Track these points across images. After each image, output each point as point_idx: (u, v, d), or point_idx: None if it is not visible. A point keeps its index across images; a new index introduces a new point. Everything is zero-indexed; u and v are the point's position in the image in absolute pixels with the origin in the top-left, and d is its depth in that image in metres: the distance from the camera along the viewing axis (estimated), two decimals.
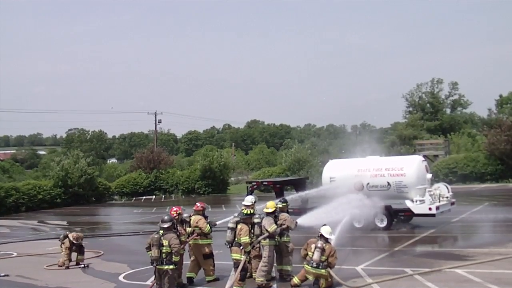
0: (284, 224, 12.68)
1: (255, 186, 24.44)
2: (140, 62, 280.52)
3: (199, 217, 13.25)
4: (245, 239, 12.08)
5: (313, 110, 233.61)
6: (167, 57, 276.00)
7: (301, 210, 23.11)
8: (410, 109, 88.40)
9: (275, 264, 13.12)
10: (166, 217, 11.50)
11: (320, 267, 11.43)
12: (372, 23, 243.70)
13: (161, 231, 11.25)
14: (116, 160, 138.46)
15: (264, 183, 25.25)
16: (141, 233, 24.54)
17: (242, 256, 12.08)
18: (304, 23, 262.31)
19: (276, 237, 12.64)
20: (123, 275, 14.98)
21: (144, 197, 52.36)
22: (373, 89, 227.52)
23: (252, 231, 12.33)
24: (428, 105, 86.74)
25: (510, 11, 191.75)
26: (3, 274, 15.88)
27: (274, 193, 23.95)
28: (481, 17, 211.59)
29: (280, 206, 13.25)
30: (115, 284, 14.11)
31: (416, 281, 11.99)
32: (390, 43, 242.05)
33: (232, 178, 62.26)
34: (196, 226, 13.02)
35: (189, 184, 53.87)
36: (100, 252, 19.08)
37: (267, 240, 12.48)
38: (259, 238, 12.36)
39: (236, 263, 12.19)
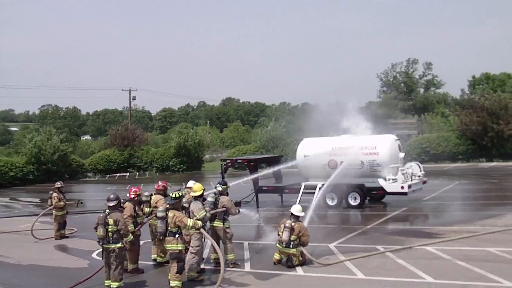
0: (224, 208, 11.94)
1: (229, 164, 24.44)
2: (115, 39, 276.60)
3: (160, 197, 13.06)
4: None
5: (288, 88, 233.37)
6: (142, 34, 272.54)
7: (276, 189, 23.31)
8: (385, 88, 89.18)
9: (211, 254, 12.49)
10: (111, 196, 11.16)
11: (291, 246, 11.47)
12: (349, 4, 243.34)
13: (107, 210, 11.04)
14: (90, 137, 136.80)
15: (238, 161, 25.19)
16: None
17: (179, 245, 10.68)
18: (282, 3, 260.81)
19: (215, 222, 11.96)
20: (96, 252, 14.86)
21: (118, 174, 52.05)
22: (348, 68, 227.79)
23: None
24: (402, 84, 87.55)
25: None
26: None
27: (248, 171, 24.00)
28: (457, 0, 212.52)
29: (220, 189, 12.45)
30: (89, 261, 14.06)
31: (387, 258, 12.20)
32: (366, 24, 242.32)
33: (207, 156, 62.18)
34: (156, 207, 12.52)
35: (164, 161, 53.72)
36: (74, 229, 18.96)
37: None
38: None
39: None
